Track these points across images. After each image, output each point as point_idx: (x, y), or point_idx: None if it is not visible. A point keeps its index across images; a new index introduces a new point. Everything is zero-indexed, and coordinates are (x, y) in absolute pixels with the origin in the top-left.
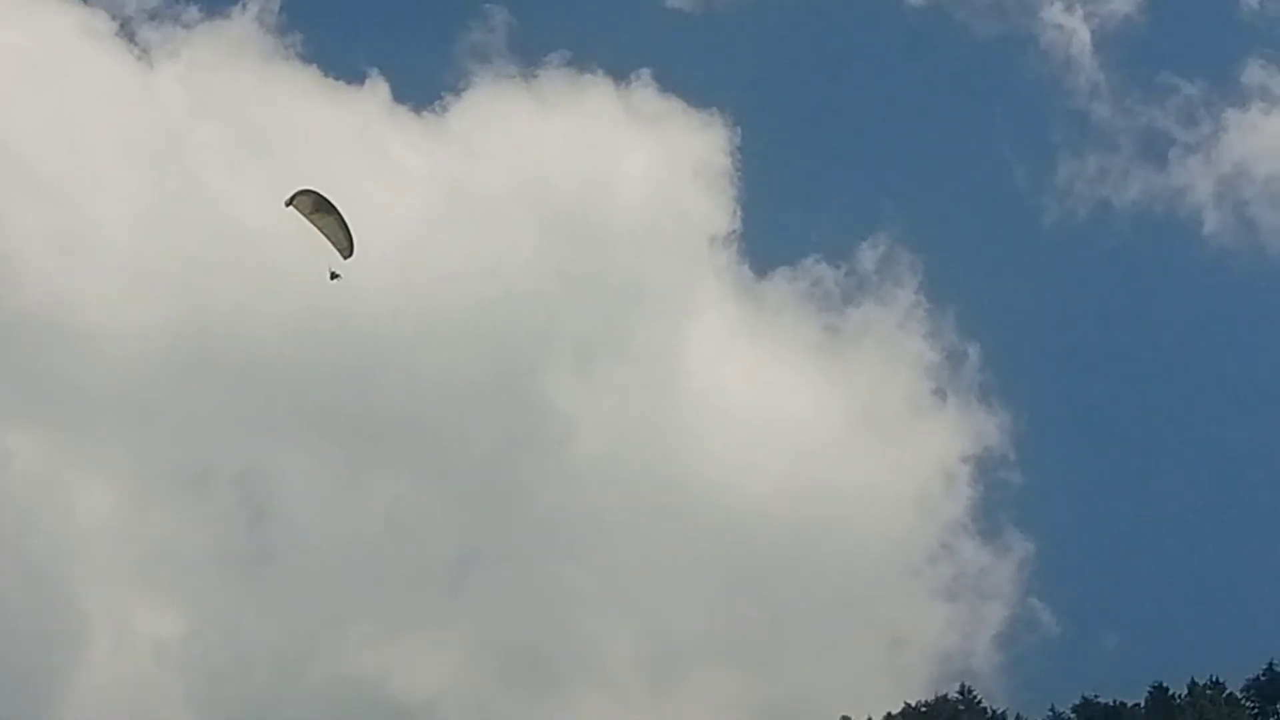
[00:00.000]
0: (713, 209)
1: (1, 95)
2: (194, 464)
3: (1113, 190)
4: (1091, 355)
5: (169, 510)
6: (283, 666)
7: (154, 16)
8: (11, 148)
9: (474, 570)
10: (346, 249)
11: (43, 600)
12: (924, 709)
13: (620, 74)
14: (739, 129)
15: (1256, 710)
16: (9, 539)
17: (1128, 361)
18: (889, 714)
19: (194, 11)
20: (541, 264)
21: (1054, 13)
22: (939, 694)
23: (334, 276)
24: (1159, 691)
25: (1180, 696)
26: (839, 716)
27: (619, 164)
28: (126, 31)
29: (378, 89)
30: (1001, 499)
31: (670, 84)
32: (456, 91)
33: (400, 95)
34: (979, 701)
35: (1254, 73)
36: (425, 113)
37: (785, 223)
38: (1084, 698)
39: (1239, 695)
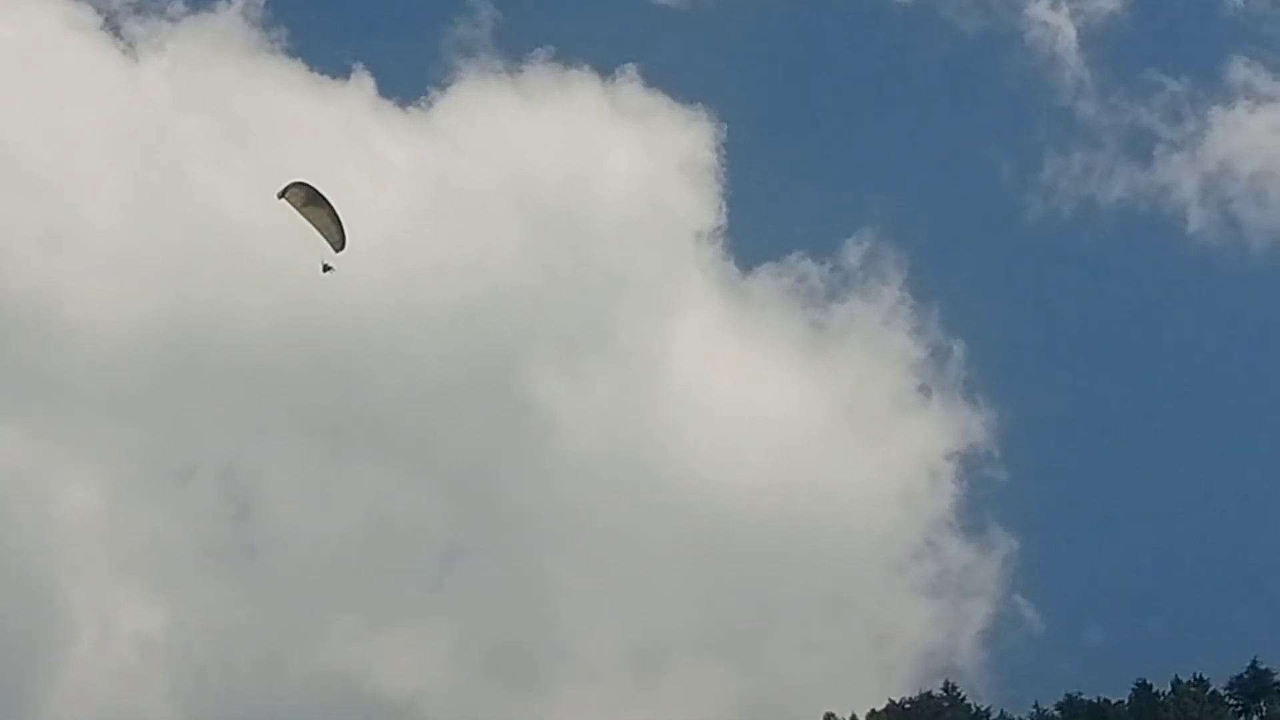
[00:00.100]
0: (698, 205)
1: None
2: (178, 458)
3: (1097, 187)
4: (1076, 352)
5: (153, 504)
6: (266, 661)
7: (139, 10)
8: None
9: (458, 565)
10: (338, 242)
11: (26, 595)
12: (908, 706)
13: (606, 69)
14: (724, 125)
15: (1240, 708)
16: None
17: (1112, 359)
18: (873, 711)
19: (179, 5)
20: (526, 259)
21: (1039, 10)
22: (923, 691)
23: (326, 269)
24: (1143, 689)
25: (1164, 694)
26: (823, 713)
27: (604, 159)
28: (112, 25)
29: (363, 84)
30: (986, 496)
31: (656, 80)
32: (442, 86)
33: (385, 90)
34: (963, 698)
35: (1238, 70)
36: (410, 107)
37: (770, 219)
38: (1068, 695)
39: (1222, 693)
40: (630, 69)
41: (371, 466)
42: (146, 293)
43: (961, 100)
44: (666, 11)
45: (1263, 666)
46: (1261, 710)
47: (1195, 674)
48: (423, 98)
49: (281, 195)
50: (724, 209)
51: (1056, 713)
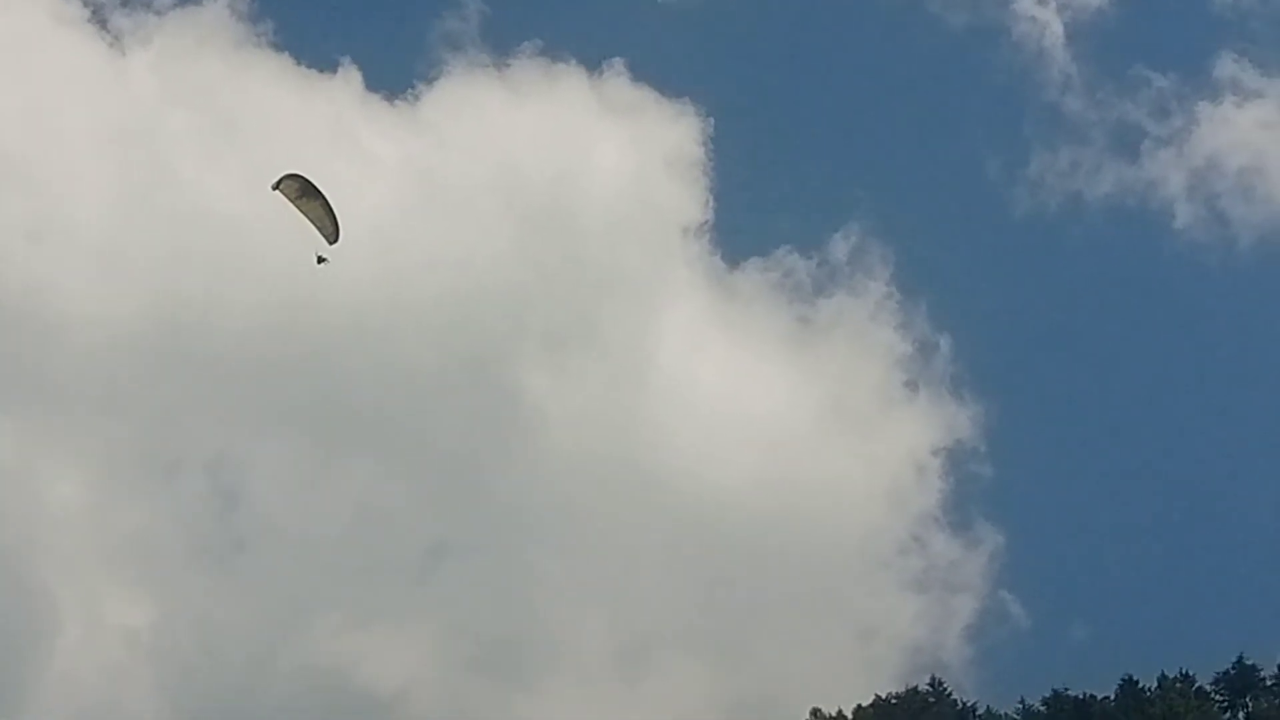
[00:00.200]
0: (685, 199)
1: None
2: (165, 453)
3: (1085, 183)
4: (1063, 348)
5: (140, 499)
6: (253, 655)
7: (126, 3)
8: None
9: (444, 560)
10: (332, 234)
11: (13, 589)
12: (894, 701)
13: (593, 63)
14: (711, 119)
15: (1225, 703)
16: None
17: (1099, 354)
18: (859, 706)
19: None
20: (513, 254)
21: (1027, 5)
22: (909, 686)
23: (320, 261)
24: (1128, 684)
25: (1150, 689)
26: (809, 708)
27: (591, 154)
28: (99, 18)
29: (350, 77)
30: (972, 491)
31: (643, 74)
32: (429, 80)
33: (373, 84)
34: (949, 694)
35: (1226, 66)
36: (398, 101)
37: (757, 213)
38: (1054, 690)
39: (1208, 688)
40: (618, 63)
41: (359, 461)
42: (133, 287)
43: (948, 95)
44: (654, 6)
45: (1249, 662)
46: (1247, 706)
47: (1181, 670)
48: (410, 91)
49: (275, 187)
50: (711, 203)
51: (1042, 708)
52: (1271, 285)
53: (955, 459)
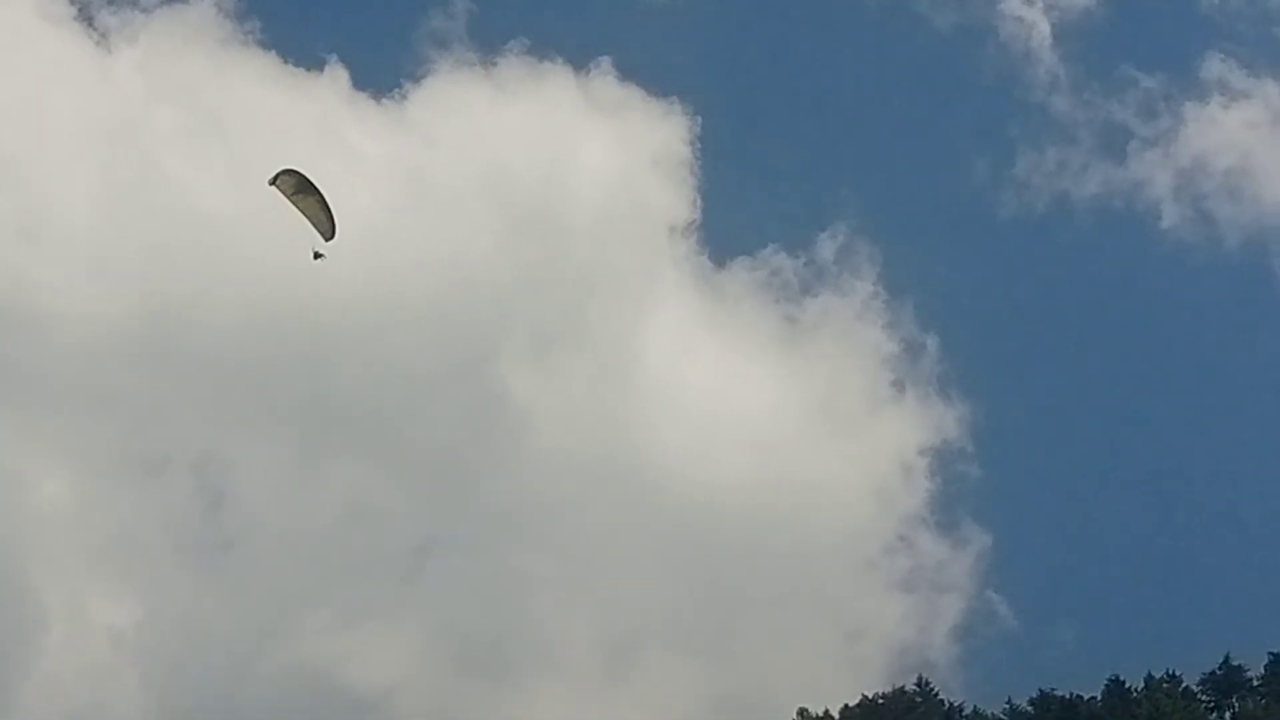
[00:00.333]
0: (672, 198)
1: None
2: (151, 450)
3: (1072, 183)
4: (1050, 348)
5: (126, 498)
6: (239, 654)
7: (112, 1)
8: None
9: (431, 558)
10: (328, 230)
11: None
12: (881, 701)
13: (580, 62)
14: (699, 118)
15: (1212, 704)
16: None
17: (1086, 354)
18: (846, 705)
19: None
20: (500, 253)
21: (1014, 5)
22: (896, 686)
23: (317, 256)
24: (1115, 685)
25: (1136, 690)
26: (796, 707)
27: (578, 153)
28: (85, 15)
29: (337, 76)
30: (959, 492)
31: (630, 73)
32: (416, 79)
33: (360, 82)
34: (936, 694)
35: (1213, 66)
36: (385, 100)
37: (744, 213)
38: (1040, 691)
39: (1195, 689)
40: (605, 62)
41: (345, 460)
42: (119, 285)
43: (935, 95)
44: (641, 4)
45: (1235, 663)
46: (1234, 706)
47: (1168, 670)
48: (397, 90)
49: (272, 182)
50: (698, 203)
51: (1029, 708)
52: (1258, 286)
53: (942, 459)
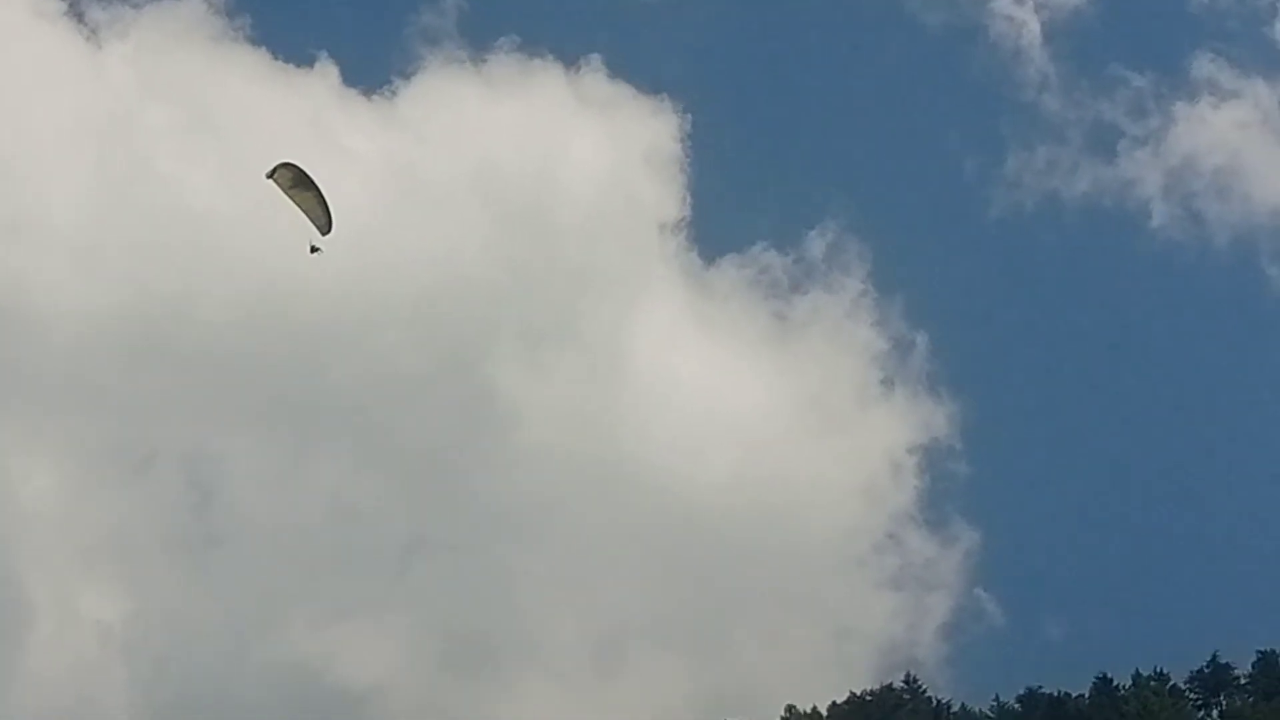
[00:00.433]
0: (662, 196)
1: None
2: (140, 447)
3: (1061, 182)
4: (1039, 346)
5: (114, 493)
6: (227, 650)
7: None
8: None
9: (420, 555)
10: (325, 225)
11: None
12: (869, 698)
13: (570, 59)
14: (689, 116)
15: (1199, 702)
16: None
17: (1075, 353)
18: (834, 703)
19: None
20: (490, 250)
21: (1004, 4)
22: (884, 684)
23: (314, 250)
24: (1103, 683)
25: (1124, 688)
26: (784, 705)
27: (568, 150)
28: (75, 11)
29: (327, 72)
30: (948, 489)
31: (620, 70)
32: (406, 76)
33: (350, 79)
34: (924, 691)
35: (1203, 66)
36: (375, 96)
37: (734, 210)
38: (1028, 688)
39: (1182, 687)
40: (595, 59)
41: (334, 457)
42: (109, 281)
43: (925, 94)
44: (631, 2)
45: (1223, 661)
46: (1221, 704)
47: (1156, 668)
48: (387, 87)
49: (270, 175)
50: (688, 200)
51: (1017, 706)
52: (1247, 285)
53: (931, 457)
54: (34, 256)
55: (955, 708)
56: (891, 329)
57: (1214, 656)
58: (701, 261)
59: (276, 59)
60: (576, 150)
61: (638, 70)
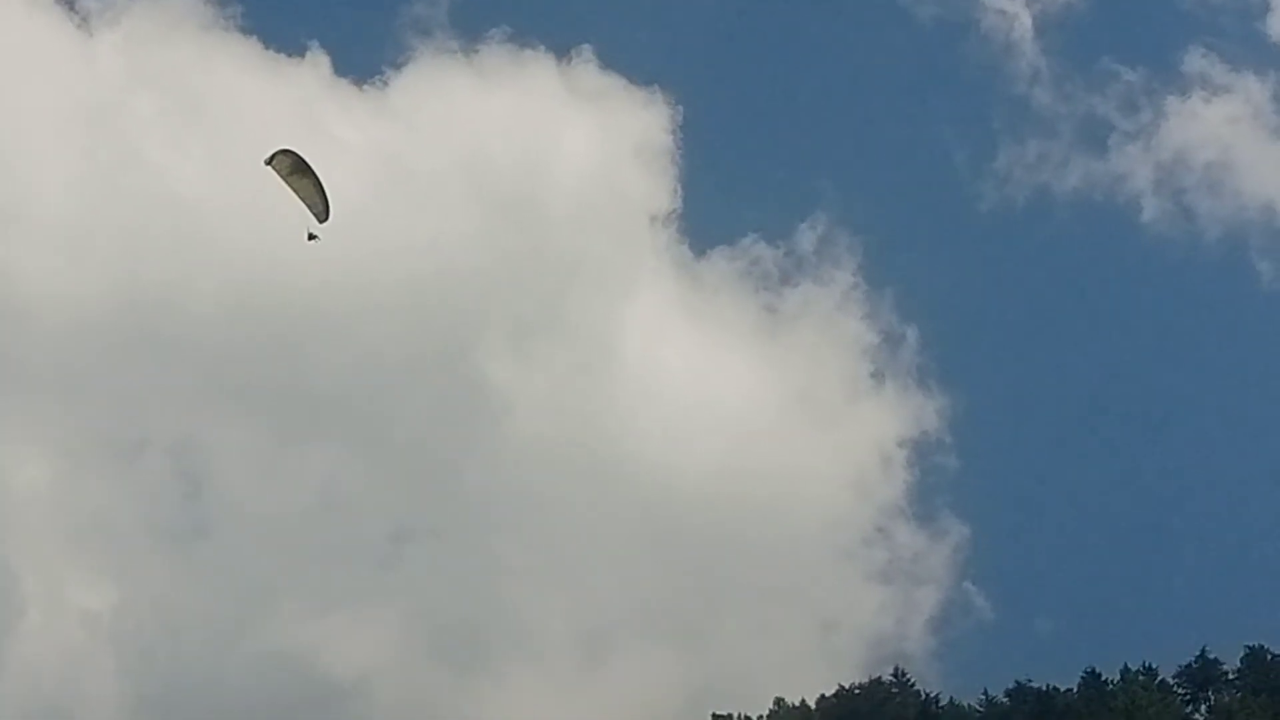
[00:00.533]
0: (653, 187)
1: None
2: (128, 436)
3: (1052, 176)
4: (1029, 340)
5: (102, 482)
6: (214, 640)
7: None
8: None
9: (407, 546)
10: (322, 212)
11: None
12: (857, 691)
13: (561, 50)
14: (680, 108)
15: (1188, 697)
16: None
17: (1065, 347)
18: (822, 696)
19: None
20: (480, 240)
21: None
22: (872, 677)
23: (311, 238)
24: (1092, 677)
25: (1113, 682)
26: (772, 697)
27: (559, 141)
28: None
29: (318, 62)
30: (937, 483)
31: (612, 61)
32: (397, 66)
33: (341, 68)
34: (912, 684)
35: (1195, 61)
36: (366, 86)
37: (725, 202)
38: (1017, 682)
39: (1171, 681)
40: (586, 50)
41: (322, 447)
42: (97, 270)
43: (917, 87)
44: None
45: (1211, 656)
46: (1209, 699)
47: (1144, 663)
48: (378, 77)
49: (268, 162)
50: (679, 192)
51: (1005, 700)
52: (1237, 280)
53: (921, 450)
54: (23, 245)
55: (943, 701)
56: (882, 322)
57: (1202, 652)
58: (692, 253)
59: (267, 48)
60: (567, 141)
61: (629, 62)
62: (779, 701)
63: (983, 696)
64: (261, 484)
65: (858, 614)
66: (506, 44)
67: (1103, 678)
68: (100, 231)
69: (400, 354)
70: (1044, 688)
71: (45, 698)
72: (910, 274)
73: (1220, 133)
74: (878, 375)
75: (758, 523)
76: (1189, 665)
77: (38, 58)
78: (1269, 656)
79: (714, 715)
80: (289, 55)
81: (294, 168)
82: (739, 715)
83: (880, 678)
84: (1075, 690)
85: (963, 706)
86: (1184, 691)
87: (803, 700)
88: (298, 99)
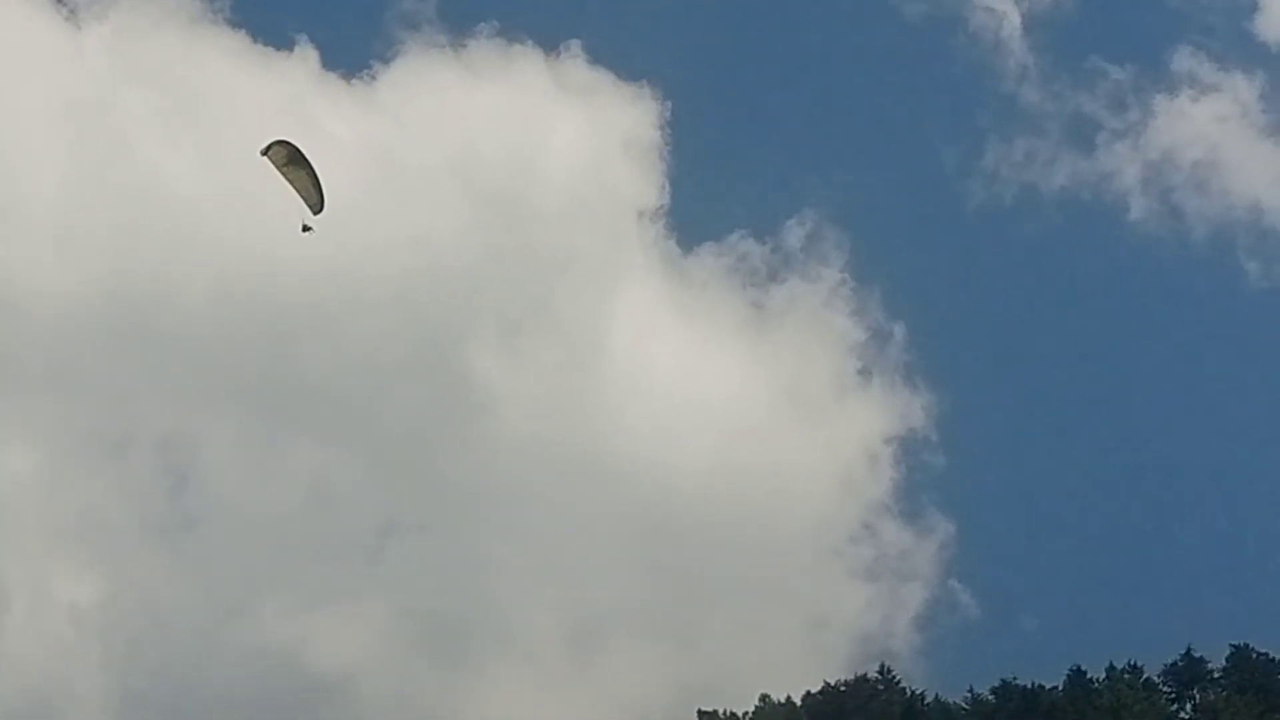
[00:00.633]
0: (641, 183)
1: None
2: (116, 430)
3: (1040, 174)
4: (1016, 338)
5: (90, 476)
6: (201, 634)
7: None
8: None
9: (395, 541)
10: (317, 204)
11: None
12: (843, 688)
13: (550, 45)
14: (669, 103)
15: (1173, 695)
16: None
17: (1052, 345)
18: (808, 693)
19: None
20: (468, 236)
21: None
22: (858, 674)
23: (305, 229)
24: (1077, 675)
25: (1098, 680)
26: (758, 694)
27: (548, 136)
28: None
29: (307, 56)
30: (924, 480)
31: (600, 56)
32: (386, 60)
33: (330, 63)
34: (898, 682)
35: (1183, 59)
36: (354, 80)
37: (713, 198)
38: (1003, 680)
39: (1156, 680)
40: (575, 45)
41: (310, 441)
42: (86, 264)
43: (905, 84)
44: None
45: (1197, 654)
46: (1194, 698)
47: (1130, 661)
48: (366, 71)
49: (264, 153)
50: (667, 188)
51: (991, 697)
52: (1224, 279)
53: (907, 448)
54: (11, 239)
55: (929, 699)
56: (869, 319)
57: (1188, 650)
58: (680, 249)
59: (256, 42)
60: (556, 137)
61: (618, 57)
62: (765, 698)
63: (968, 694)
64: (249, 479)
65: (844, 611)
66: (495, 39)
67: (1088, 676)
68: (89, 226)
69: (389, 349)
70: (1029, 685)
71: (31, 691)
72: (898, 271)
73: (1208, 131)
74: (865, 372)
75: (744, 519)
76: (1175, 664)
77: (26, 52)
78: (1254, 655)
79: (700, 712)
80: (277, 49)
81: (289, 158)
82: (725, 712)
83: (866, 675)
84: (1061, 688)
85: (948, 704)
86: (1169, 690)
87: (788, 697)
88: (286, 93)
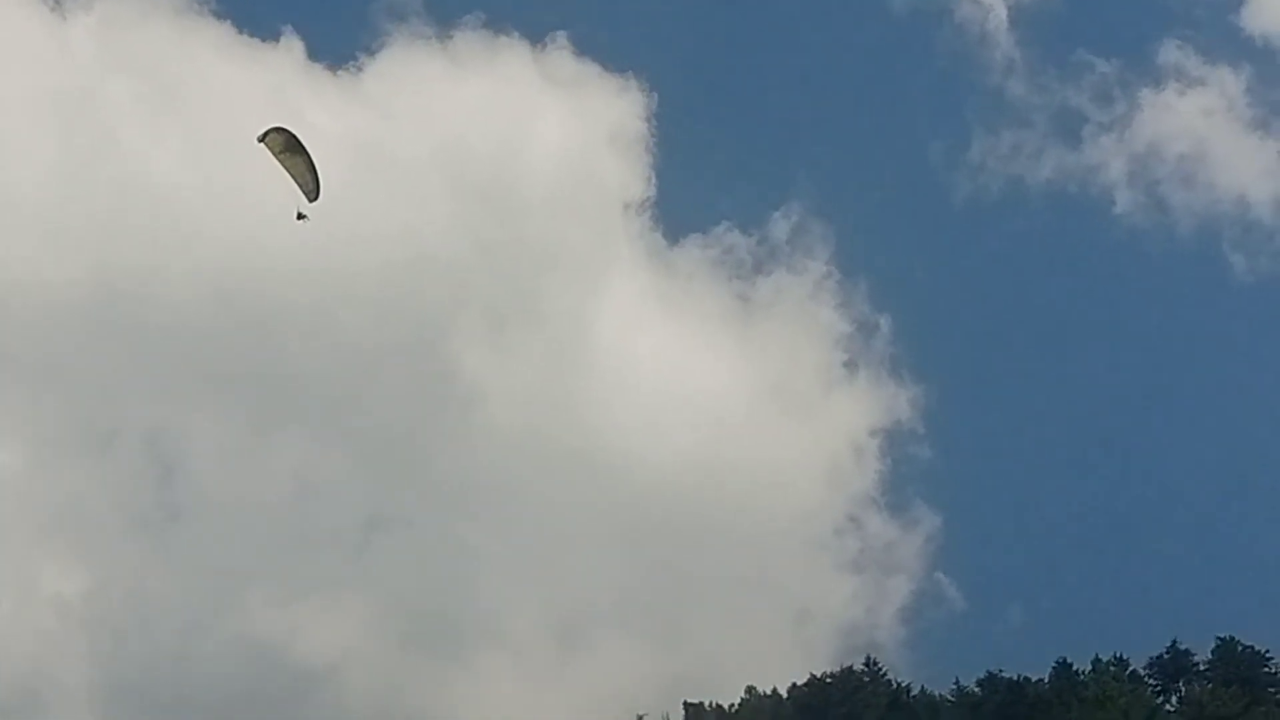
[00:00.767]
0: (627, 175)
1: None
2: (102, 422)
3: (1026, 167)
4: (1002, 331)
5: (75, 468)
6: (186, 626)
7: None
8: None
9: (380, 533)
10: (313, 191)
11: None
12: (829, 681)
13: (536, 37)
14: (655, 95)
15: (1159, 688)
16: None
17: (1037, 338)
18: (794, 685)
19: None
20: (454, 228)
21: None
22: (844, 666)
23: (300, 217)
24: (1063, 667)
25: (1084, 673)
26: (744, 686)
27: (534, 128)
28: None
29: (292, 47)
30: (910, 473)
31: (587, 48)
32: (371, 52)
33: (315, 54)
34: (883, 674)
35: (1169, 53)
36: (340, 72)
37: (699, 190)
38: (988, 672)
39: (1142, 672)
40: (560, 37)
41: (295, 434)
42: (71, 256)
43: (892, 77)
44: None
45: (1182, 647)
46: (1180, 690)
47: (1116, 654)
48: (352, 63)
49: (261, 139)
50: (653, 179)
51: (977, 690)
52: (1210, 272)
53: (893, 440)
54: None
55: (915, 691)
56: (855, 311)
57: (1174, 643)
58: (665, 241)
59: (242, 33)
60: (542, 128)
61: (604, 49)
62: (751, 690)
63: (954, 686)
64: (235, 471)
65: (829, 603)
66: (481, 30)
67: (1074, 668)
68: (74, 217)
69: (374, 342)
70: (1015, 678)
71: (18, 683)
72: (883, 264)
73: (1194, 125)
74: (851, 365)
75: (730, 512)
76: (1160, 656)
77: (11, 43)
78: (1240, 648)
79: (686, 704)
80: (263, 40)
81: (286, 145)
82: (711, 704)
83: (852, 667)
84: (1046, 680)
85: (934, 696)
86: (1155, 682)
87: (774, 689)
88: (272, 84)
